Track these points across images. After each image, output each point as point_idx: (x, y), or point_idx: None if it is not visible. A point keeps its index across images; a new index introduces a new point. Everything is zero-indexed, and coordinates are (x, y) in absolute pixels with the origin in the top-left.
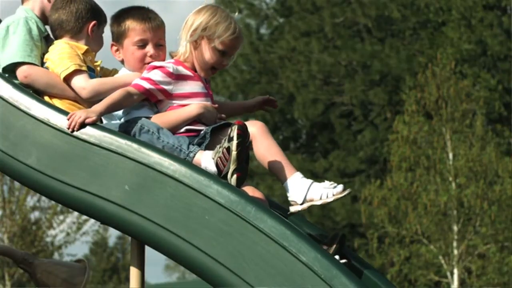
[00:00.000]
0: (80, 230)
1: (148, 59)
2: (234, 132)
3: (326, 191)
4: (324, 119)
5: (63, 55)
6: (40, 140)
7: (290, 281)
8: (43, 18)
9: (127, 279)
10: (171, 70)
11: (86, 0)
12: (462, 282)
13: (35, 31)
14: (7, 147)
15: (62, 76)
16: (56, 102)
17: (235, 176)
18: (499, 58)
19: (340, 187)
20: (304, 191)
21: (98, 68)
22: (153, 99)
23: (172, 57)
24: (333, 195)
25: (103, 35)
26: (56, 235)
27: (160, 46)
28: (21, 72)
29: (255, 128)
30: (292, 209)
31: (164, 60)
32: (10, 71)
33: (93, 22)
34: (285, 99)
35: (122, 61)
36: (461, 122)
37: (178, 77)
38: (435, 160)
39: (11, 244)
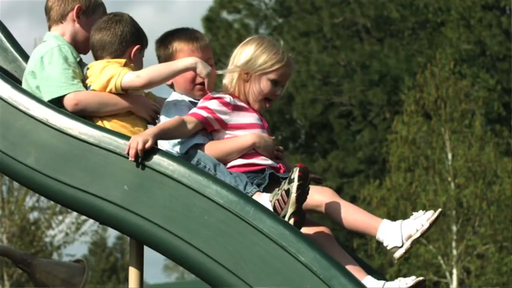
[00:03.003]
0: (79, 230)
1: (198, 80)
2: (295, 174)
3: (419, 222)
4: (323, 119)
5: (110, 69)
6: (39, 140)
7: (289, 281)
8: (74, 43)
9: (126, 279)
10: (228, 100)
11: (131, 22)
12: (461, 282)
13: (71, 58)
14: (6, 147)
15: (119, 83)
16: (107, 124)
17: (292, 220)
18: (498, 58)
19: (430, 212)
20: (399, 233)
21: None
22: (209, 128)
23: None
24: (427, 220)
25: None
26: (55, 235)
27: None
28: (69, 101)
29: (325, 194)
30: (397, 254)
31: (214, 80)
32: (55, 102)
33: (136, 46)
34: (284, 99)
35: (171, 85)
36: (460, 122)
37: (235, 108)
38: (434, 160)
39: (10, 244)
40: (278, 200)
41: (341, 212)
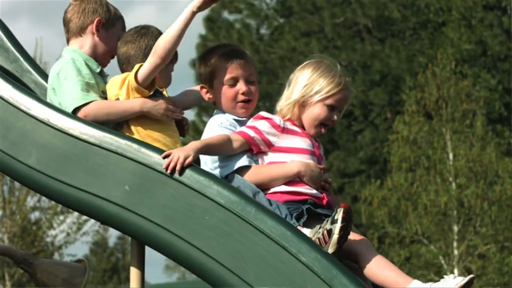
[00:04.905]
0: (80, 230)
1: (240, 97)
2: (339, 214)
3: (447, 285)
4: None
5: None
6: (40, 140)
7: (290, 281)
8: (93, 55)
9: (127, 279)
10: (278, 122)
11: (158, 36)
12: None
13: (85, 70)
14: (7, 147)
15: (133, 73)
16: (135, 133)
17: None
18: (499, 58)
19: (460, 277)
20: None
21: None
22: (255, 149)
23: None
24: (456, 285)
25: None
26: (56, 235)
27: (251, 82)
28: (79, 114)
29: (361, 245)
30: None
31: (257, 97)
32: None
33: None
34: None
35: (214, 103)
36: (461, 122)
37: (284, 131)
38: (435, 160)
39: (11, 244)
40: (319, 238)
41: (373, 265)
